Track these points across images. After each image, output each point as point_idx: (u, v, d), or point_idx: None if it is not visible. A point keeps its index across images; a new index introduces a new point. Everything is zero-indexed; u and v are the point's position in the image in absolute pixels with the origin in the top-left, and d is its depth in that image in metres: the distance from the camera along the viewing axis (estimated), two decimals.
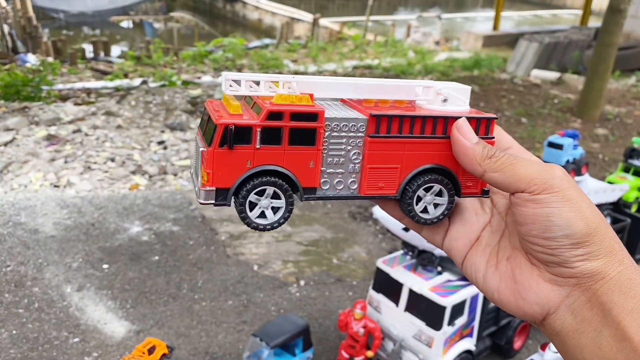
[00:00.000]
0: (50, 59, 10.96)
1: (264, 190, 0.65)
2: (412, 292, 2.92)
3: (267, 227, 0.67)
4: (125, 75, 9.77)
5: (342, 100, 0.73)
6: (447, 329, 2.90)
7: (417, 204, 0.71)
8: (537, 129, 7.53)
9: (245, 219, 0.66)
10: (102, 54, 12.33)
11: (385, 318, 3.06)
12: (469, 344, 3.11)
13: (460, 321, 2.99)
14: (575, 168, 3.72)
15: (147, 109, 7.26)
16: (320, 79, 0.70)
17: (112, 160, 5.70)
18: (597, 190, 3.94)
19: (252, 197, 0.65)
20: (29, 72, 8.97)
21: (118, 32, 16.79)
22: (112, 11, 17.44)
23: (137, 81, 9.08)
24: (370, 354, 3.04)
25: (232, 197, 0.65)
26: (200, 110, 7.39)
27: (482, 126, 0.69)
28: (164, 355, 2.91)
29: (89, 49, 12.44)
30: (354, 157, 0.68)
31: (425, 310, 2.91)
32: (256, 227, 0.66)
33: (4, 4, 14.62)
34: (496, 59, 11.88)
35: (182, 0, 21.90)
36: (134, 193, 5.12)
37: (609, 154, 6.88)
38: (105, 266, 4.01)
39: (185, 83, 9.11)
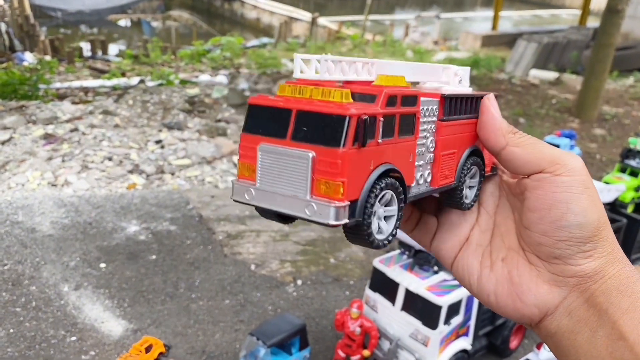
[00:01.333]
0: (48, 58, 10.94)
1: (384, 196, 0.53)
2: (408, 292, 2.93)
3: (384, 242, 0.55)
4: (123, 74, 9.76)
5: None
6: (443, 328, 2.91)
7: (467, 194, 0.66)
8: (535, 129, 7.54)
9: (369, 237, 0.52)
10: (99, 53, 12.32)
11: (382, 317, 3.07)
12: (465, 343, 3.12)
13: (456, 320, 2.99)
14: None
15: (145, 108, 7.25)
16: (389, 62, 0.63)
17: (110, 159, 5.70)
18: (601, 189, 3.96)
19: (380, 209, 0.52)
20: (26, 71, 8.96)
21: (116, 31, 16.77)
22: (110, 10, 17.41)
23: (134, 80, 9.07)
24: (366, 353, 3.05)
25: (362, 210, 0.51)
26: (199, 109, 7.39)
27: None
28: (160, 353, 2.92)
29: (86, 47, 12.42)
30: (431, 145, 0.61)
31: (422, 309, 2.92)
32: (378, 245, 0.53)
33: (1, 2, 14.59)
34: (494, 59, 11.89)
35: None
36: (132, 192, 5.12)
37: (606, 154, 6.89)
38: (102, 265, 4.01)
39: (183, 82, 9.10)
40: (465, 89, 0.70)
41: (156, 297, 3.71)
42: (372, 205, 0.51)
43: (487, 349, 3.38)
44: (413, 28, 15.15)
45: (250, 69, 10.57)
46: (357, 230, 0.52)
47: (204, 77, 9.66)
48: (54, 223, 4.48)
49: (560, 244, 0.59)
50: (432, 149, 0.61)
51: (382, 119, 0.51)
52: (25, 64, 10.23)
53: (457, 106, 0.63)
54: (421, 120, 0.58)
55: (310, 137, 0.50)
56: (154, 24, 17.84)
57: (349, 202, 0.49)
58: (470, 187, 0.67)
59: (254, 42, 14.10)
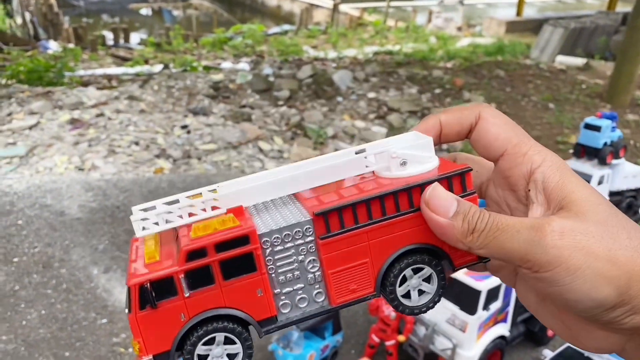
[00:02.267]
0: (72, 46, 11.00)
1: (214, 338, 0.55)
2: None
3: None
4: (146, 62, 9.77)
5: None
6: (481, 314, 2.83)
7: (400, 286, 0.58)
8: (565, 114, 7.36)
9: None
10: (121, 41, 12.36)
11: None
12: (503, 329, 3.04)
13: (495, 306, 2.91)
14: (613, 150, 3.61)
15: (170, 94, 7.23)
16: (248, 182, 0.58)
17: (136, 144, 5.69)
18: (635, 174, 3.83)
19: (201, 349, 0.54)
20: (51, 59, 9.01)
21: (137, 19, 16.81)
22: None
23: (157, 67, 9.07)
24: (401, 338, 2.98)
25: (178, 357, 0.55)
26: (224, 95, 7.35)
27: (455, 184, 0.56)
28: None
29: (109, 36, 12.47)
30: (310, 265, 0.57)
31: (460, 294, 2.84)
32: None
33: None
34: (519, 45, 11.66)
35: None
36: (159, 176, 5.10)
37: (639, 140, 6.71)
38: None
39: (207, 68, 9.07)
40: (418, 168, 0.57)
41: None
42: (191, 351, 0.54)
43: (525, 336, 3.29)
44: (436, 14, 14.93)
45: (272, 56, 10.50)
46: None
47: (226, 65, 9.62)
48: (82, 206, 4.48)
49: (589, 317, 0.50)
50: (313, 269, 0.57)
51: (182, 276, 0.52)
52: (50, 52, 10.30)
53: (356, 213, 0.55)
54: (277, 249, 0.55)
55: (126, 300, 0.54)
56: (175, 12, 17.84)
57: (152, 356, 0.53)
58: (421, 292, 0.59)
59: (275, 29, 14.02)
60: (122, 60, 10.04)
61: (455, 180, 0.56)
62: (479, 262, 0.58)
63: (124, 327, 3.31)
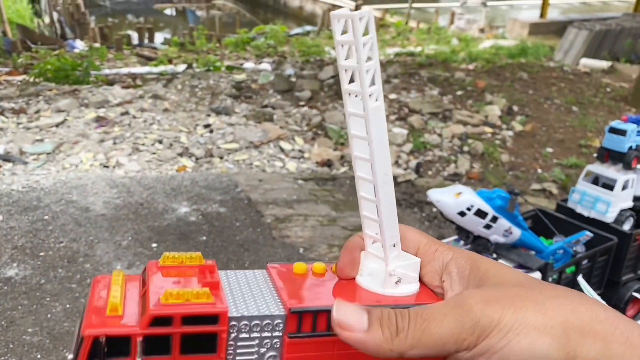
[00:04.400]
0: (97, 45, 11.20)
1: None
2: None
3: None
4: (170, 61, 9.90)
5: (268, 269, 0.58)
6: None
7: None
8: (589, 117, 7.27)
9: None
10: (146, 41, 12.54)
11: None
12: None
13: None
14: (638, 155, 3.56)
15: (193, 93, 7.33)
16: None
17: (160, 142, 5.78)
18: None
19: None
20: (77, 58, 9.18)
21: (161, 19, 17.03)
22: None
23: (181, 67, 9.19)
24: None
25: None
26: (246, 95, 7.42)
27: None
28: None
29: (134, 35, 12.67)
30: None
31: None
32: None
33: None
34: (543, 47, 11.54)
35: None
36: (182, 174, 5.18)
37: None
38: (154, 245, 4.06)
39: (230, 68, 9.16)
40: (399, 291, 0.56)
41: None
42: None
43: None
44: (459, 15, 14.85)
45: (293, 56, 10.56)
46: None
47: (248, 65, 9.70)
48: (106, 203, 4.57)
49: None
50: None
51: (139, 339, 0.48)
52: (77, 51, 10.51)
53: (324, 322, 0.53)
54: (242, 336, 0.52)
55: (74, 348, 0.51)
56: (199, 12, 18.02)
57: None
58: None
59: (297, 30, 14.09)
60: (147, 60, 10.19)
61: None
62: None
63: None
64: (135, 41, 12.41)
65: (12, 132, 5.87)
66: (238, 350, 0.53)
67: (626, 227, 3.41)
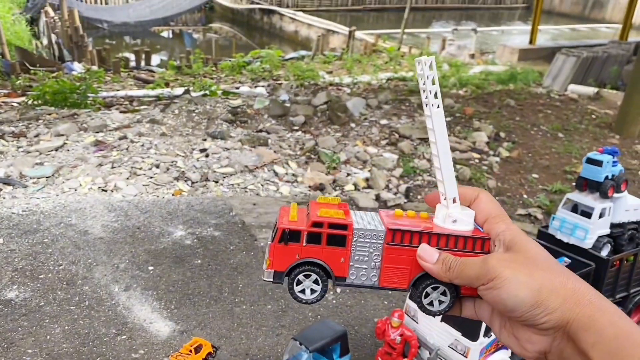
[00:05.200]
0: (95, 68, 11.38)
1: (309, 274, 0.86)
2: None
3: (304, 301, 0.88)
4: (167, 84, 10.09)
5: (379, 212, 0.93)
6: (483, 340, 2.96)
7: (425, 298, 0.88)
8: (574, 144, 7.48)
9: (291, 292, 0.87)
10: (143, 63, 12.73)
11: (422, 327, 3.13)
12: (504, 355, 3.15)
13: None
14: (614, 185, 3.73)
15: (190, 118, 7.49)
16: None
17: (157, 166, 5.92)
18: (637, 207, 3.93)
19: (300, 277, 0.87)
20: (75, 80, 9.34)
21: (158, 42, 17.27)
22: (154, 22, 17.97)
23: (178, 90, 9.37)
24: None
25: (285, 278, 0.86)
26: (241, 119, 7.60)
27: (477, 244, 0.85)
28: (209, 354, 3.05)
29: (131, 58, 12.86)
30: (375, 257, 0.87)
31: (462, 320, 2.98)
32: (296, 299, 0.88)
33: (52, 14, 15.21)
34: (532, 72, 11.81)
35: (221, 12, 22.36)
36: (178, 198, 5.32)
37: None
38: (150, 268, 4.18)
39: (225, 93, 9.35)
40: (461, 227, 0.87)
41: (201, 300, 3.85)
42: (295, 276, 0.86)
43: None
44: (450, 41, 15.17)
45: (288, 80, 10.78)
46: (288, 289, 0.87)
47: (244, 89, 9.90)
48: (104, 226, 4.69)
49: (519, 318, 0.77)
50: (376, 260, 0.87)
51: (306, 233, 0.84)
52: (75, 73, 10.68)
53: (412, 238, 0.86)
54: (359, 240, 0.86)
55: (272, 235, 0.86)
56: (195, 35, 18.31)
57: (273, 271, 0.85)
58: (440, 301, 0.88)
59: (292, 54, 14.36)
60: (144, 83, 10.38)
61: (478, 242, 0.85)
62: (471, 295, 0.87)
63: (143, 343, 3.48)
64: (133, 63, 12.61)
65: (13, 156, 6.01)
66: (357, 249, 0.87)
67: (604, 253, 3.57)
